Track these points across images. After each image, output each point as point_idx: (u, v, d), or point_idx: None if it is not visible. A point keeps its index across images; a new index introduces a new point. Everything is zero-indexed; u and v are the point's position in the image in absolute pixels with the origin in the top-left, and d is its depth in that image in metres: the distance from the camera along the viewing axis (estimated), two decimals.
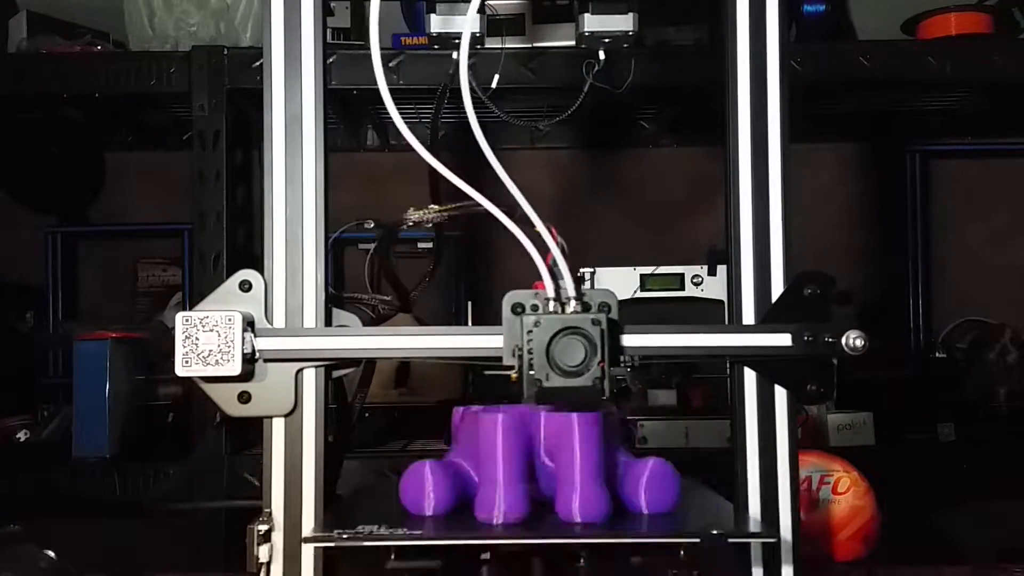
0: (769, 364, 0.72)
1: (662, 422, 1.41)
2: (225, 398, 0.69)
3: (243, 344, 0.68)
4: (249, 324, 0.69)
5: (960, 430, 1.48)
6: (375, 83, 0.68)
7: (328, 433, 0.72)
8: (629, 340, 0.70)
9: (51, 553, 0.87)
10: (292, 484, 0.70)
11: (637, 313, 1.42)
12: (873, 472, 1.01)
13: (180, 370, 0.67)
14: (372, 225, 1.63)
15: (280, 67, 0.72)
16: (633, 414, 1.41)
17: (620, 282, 1.45)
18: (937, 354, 1.76)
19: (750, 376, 0.72)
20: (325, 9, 0.73)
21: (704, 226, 1.78)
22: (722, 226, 0.74)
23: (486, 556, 0.66)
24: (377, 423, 1.43)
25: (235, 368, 0.67)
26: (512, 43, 1.38)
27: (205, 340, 0.67)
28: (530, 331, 0.66)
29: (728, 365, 0.73)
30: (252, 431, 1.28)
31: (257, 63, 1.32)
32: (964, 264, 1.89)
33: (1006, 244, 1.90)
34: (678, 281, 1.46)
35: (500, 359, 0.69)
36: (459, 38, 0.72)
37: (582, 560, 0.65)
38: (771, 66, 0.73)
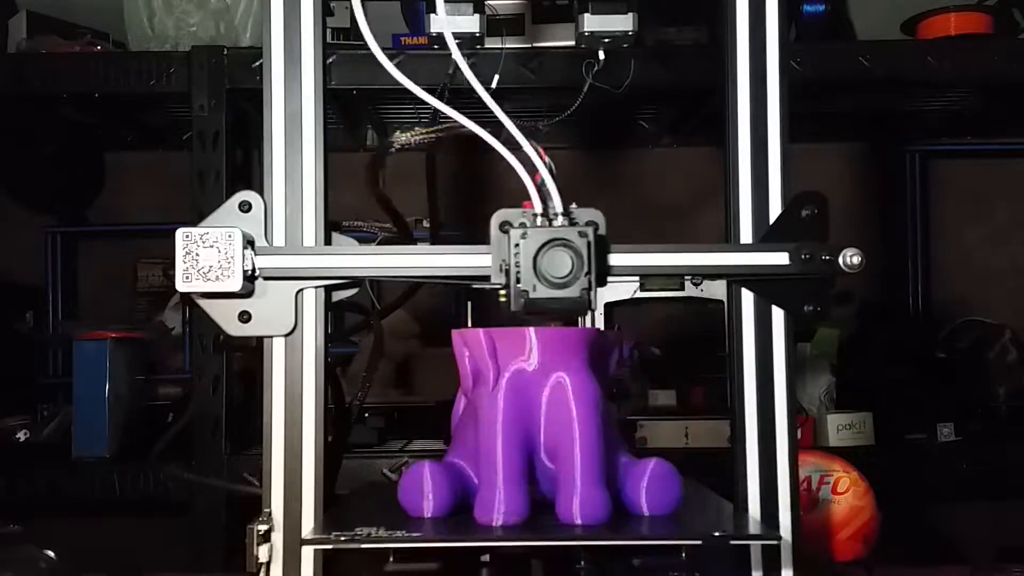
0: (767, 284, 0.72)
1: (662, 422, 1.41)
2: (225, 316, 0.69)
3: (243, 261, 0.67)
4: (249, 243, 0.68)
5: (960, 430, 1.48)
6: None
7: (328, 433, 0.72)
8: (618, 258, 0.70)
9: (51, 553, 0.88)
10: (292, 483, 0.70)
11: (637, 313, 1.42)
12: (873, 472, 1.01)
13: (180, 286, 0.66)
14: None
15: (280, 67, 0.72)
16: (633, 414, 1.41)
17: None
18: (937, 354, 1.76)
19: (747, 300, 0.72)
20: (325, 9, 0.73)
21: (704, 226, 1.78)
22: (722, 226, 0.74)
23: (486, 558, 0.66)
24: (377, 423, 1.43)
25: (236, 284, 0.67)
26: (512, 43, 1.37)
27: (205, 256, 0.66)
28: (517, 244, 0.66)
29: (726, 287, 0.73)
30: (252, 431, 1.29)
31: (257, 63, 1.32)
32: (964, 264, 1.89)
33: (1006, 244, 1.90)
34: (677, 281, 1.45)
35: (489, 278, 0.69)
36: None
37: (582, 562, 0.65)
38: (771, 66, 0.73)
